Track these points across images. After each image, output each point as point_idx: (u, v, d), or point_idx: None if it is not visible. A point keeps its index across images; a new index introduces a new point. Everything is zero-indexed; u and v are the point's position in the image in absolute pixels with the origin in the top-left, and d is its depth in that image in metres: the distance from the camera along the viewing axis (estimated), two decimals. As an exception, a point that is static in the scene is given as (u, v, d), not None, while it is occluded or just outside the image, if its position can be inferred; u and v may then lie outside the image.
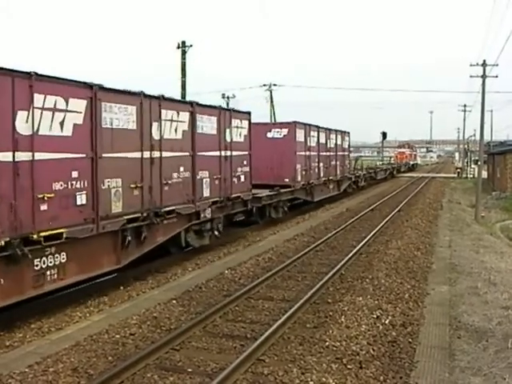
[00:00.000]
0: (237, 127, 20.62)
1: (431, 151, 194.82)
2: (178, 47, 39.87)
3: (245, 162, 21.28)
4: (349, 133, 42.39)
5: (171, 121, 16.05)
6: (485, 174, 56.35)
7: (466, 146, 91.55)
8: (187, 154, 16.88)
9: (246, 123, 21.63)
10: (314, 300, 12.77)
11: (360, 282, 14.48)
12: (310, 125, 31.31)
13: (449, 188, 54.50)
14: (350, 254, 17.59)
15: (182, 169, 16.50)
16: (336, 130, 38.29)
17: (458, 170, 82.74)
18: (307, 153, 30.23)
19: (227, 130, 19.76)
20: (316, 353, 9.51)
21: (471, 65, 38.45)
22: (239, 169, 20.72)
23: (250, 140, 21.81)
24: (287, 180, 27.49)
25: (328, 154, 35.38)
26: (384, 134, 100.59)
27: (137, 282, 14.89)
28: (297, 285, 14.40)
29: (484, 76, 37.85)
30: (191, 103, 17.35)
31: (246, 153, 21.52)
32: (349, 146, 43.14)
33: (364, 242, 20.13)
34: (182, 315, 11.75)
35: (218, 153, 19.04)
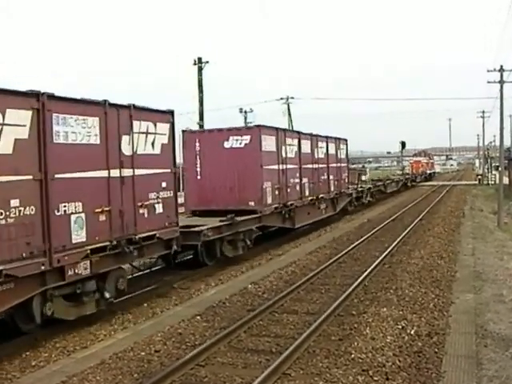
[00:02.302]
0: (146, 133, 14.33)
1: (451, 159, 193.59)
2: (194, 64, 40.17)
3: (164, 185, 14.95)
4: (346, 140, 35.47)
5: None
6: (506, 180, 55.85)
7: (486, 153, 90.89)
8: (28, 177, 10.74)
9: (164, 127, 15.18)
10: (339, 312, 12.71)
11: (384, 293, 14.41)
12: (284, 130, 25.25)
13: (470, 195, 54.10)
14: (373, 265, 17.50)
15: (15, 203, 10.32)
16: (327, 137, 31.29)
17: (479, 177, 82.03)
18: (281, 166, 23.36)
19: (125, 138, 13.53)
20: (342, 365, 9.46)
21: (488, 70, 38.21)
22: (152, 195, 14.43)
23: (173, 151, 15.58)
24: (252, 203, 21.15)
25: (315, 166, 28.20)
26: (403, 144, 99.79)
27: (160, 299, 14.92)
28: (320, 297, 14.35)
29: (502, 82, 37.61)
30: (37, 95, 11.06)
31: (167, 171, 15.17)
32: (347, 155, 35.77)
33: (387, 252, 20.03)
34: (207, 331, 11.75)
35: (104, 173, 12.72)
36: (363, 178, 73.46)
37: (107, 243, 12.72)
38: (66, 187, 11.58)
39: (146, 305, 14.36)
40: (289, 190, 24.09)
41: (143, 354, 10.42)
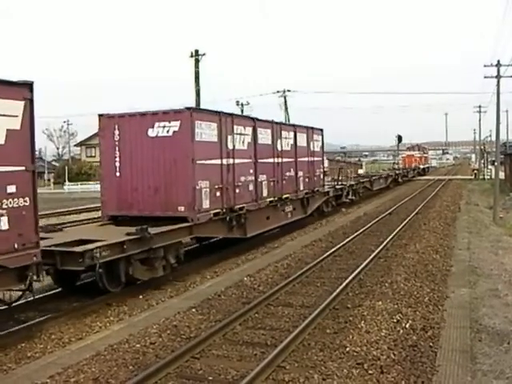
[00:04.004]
0: None
1: (447, 153, 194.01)
2: (191, 56, 40.09)
3: (11, 189, 10.48)
4: (321, 130, 30.42)
5: None
6: (502, 175, 55.96)
7: (482, 147, 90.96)
8: None
9: (12, 107, 10.57)
10: (334, 305, 12.73)
11: (379, 287, 14.43)
12: (232, 115, 20.07)
13: (466, 190, 54.18)
14: (369, 259, 17.52)
15: None
16: (295, 126, 26.86)
17: (475, 172, 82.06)
18: (226, 160, 18.71)
19: None
20: (337, 358, 9.48)
21: (485, 65, 38.26)
22: None
23: (31, 141, 10.97)
24: (182, 209, 16.70)
25: (278, 160, 23.47)
26: (399, 138, 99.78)
27: (156, 291, 14.92)
28: (316, 290, 14.37)
29: (498, 76, 37.63)
30: None
31: (18, 169, 10.67)
32: (322, 147, 30.77)
33: (382, 246, 20.05)
34: (202, 323, 11.76)
35: None
36: (359, 171, 73.33)
37: None
38: None
39: (141, 297, 14.36)
40: (238, 191, 19.44)
41: (138, 345, 10.42)
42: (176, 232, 15.96)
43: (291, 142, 25.39)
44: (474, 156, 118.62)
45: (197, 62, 40.05)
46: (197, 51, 40.08)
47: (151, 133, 16.96)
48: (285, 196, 24.06)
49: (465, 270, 16.50)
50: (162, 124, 16.90)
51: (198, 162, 16.93)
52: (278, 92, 61.81)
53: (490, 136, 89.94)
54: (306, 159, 27.22)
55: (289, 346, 9.94)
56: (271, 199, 22.56)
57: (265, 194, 21.94)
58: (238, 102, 60.04)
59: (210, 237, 20.17)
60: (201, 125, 17.20)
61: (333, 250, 19.67)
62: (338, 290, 13.65)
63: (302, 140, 26.78)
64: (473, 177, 79.00)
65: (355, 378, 8.67)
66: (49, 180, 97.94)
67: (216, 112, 18.54)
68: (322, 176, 30.40)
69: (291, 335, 10.32)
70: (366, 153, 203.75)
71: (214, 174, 17.95)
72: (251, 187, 20.69)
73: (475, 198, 44.83)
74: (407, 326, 11.24)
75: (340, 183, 36.57)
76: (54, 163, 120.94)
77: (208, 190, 17.41)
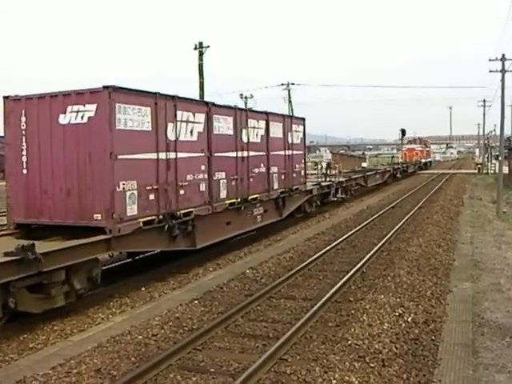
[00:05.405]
0: None
1: (451, 147, 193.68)
2: (195, 48, 40.02)
3: None
4: (303, 119, 26.42)
5: None
6: (506, 170, 55.82)
7: (486, 142, 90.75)
8: None
9: None
10: (336, 298, 12.73)
11: (382, 280, 14.41)
12: (173, 97, 15.42)
13: (469, 184, 54.09)
14: (371, 252, 17.50)
15: None
16: (268, 113, 22.18)
17: (479, 166, 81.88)
18: (164, 155, 14.82)
19: None
20: (338, 351, 9.48)
21: (490, 60, 38.20)
22: None
23: None
24: (98, 216, 13.02)
25: (243, 154, 19.52)
26: (403, 131, 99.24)
27: (158, 283, 14.93)
28: (318, 283, 14.37)
29: (503, 71, 37.54)
30: None
31: None
32: (304, 139, 26.30)
33: (385, 239, 20.02)
34: (204, 315, 11.77)
35: None
36: (363, 164, 73.17)
37: None
38: None
39: (143, 289, 14.38)
40: (182, 192, 15.64)
41: (140, 337, 10.43)
42: (85, 248, 12.24)
43: (262, 132, 21.34)
44: (477, 150, 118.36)
45: (201, 54, 39.94)
46: (201, 43, 39.97)
47: (63, 119, 13.40)
48: (252, 197, 20.25)
49: (467, 264, 16.49)
50: (76, 108, 13.25)
51: (120, 156, 13.19)
52: (282, 85, 61.82)
53: (495, 130, 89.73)
54: (281, 153, 23.26)
55: (291, 338, 9.94)
56: (232, 201, 18.76)
57: (223, 195, 18.19)
58: (241, 94, 60.03)
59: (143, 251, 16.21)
60: (125, 109, 13.43)
61: (335, 243, 19.66)
62: (340, 283, 13.65)
63: (276, 130, 22.71)
64: (476, 171, 78.84)
65: (357, 371, 8.66)
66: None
67: (149, 93, 14.51)
68: (303, 172, 26.06)
69: (293, 328, 10.33)
70: (370, 146, 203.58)
71: (146, 172, 14.21)
72: (203, 187, 16.88)
73: (479, 192, 44.77)
74: (409, 319, 11.23)
75: (328, 180, 32.90)
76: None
77: (135, 192, 13.71)
